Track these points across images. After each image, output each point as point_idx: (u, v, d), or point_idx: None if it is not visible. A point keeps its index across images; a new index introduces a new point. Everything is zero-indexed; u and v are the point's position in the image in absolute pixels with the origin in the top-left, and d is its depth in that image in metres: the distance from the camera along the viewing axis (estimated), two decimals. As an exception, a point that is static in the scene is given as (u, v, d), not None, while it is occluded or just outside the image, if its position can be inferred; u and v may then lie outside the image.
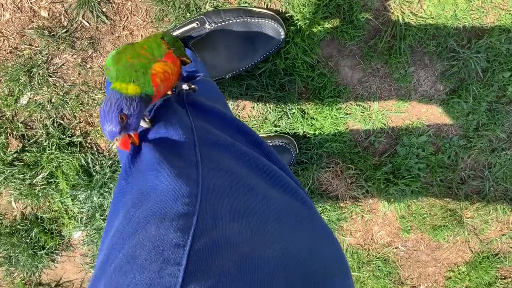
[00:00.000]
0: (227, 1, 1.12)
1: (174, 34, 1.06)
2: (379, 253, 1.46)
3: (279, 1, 1.13)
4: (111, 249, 0.52)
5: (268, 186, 0.62)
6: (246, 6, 1.12)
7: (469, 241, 1.47)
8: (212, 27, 1.07)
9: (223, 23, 1.07)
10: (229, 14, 1.08)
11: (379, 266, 1.46)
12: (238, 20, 1.08)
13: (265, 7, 1.13)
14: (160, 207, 0.52)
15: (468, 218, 1.43)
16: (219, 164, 0.60)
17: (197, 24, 1.07)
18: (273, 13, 1.11)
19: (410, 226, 1.43)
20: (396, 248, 1.46)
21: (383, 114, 1.28)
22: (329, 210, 1.37)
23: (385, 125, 1.29)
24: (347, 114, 1.27)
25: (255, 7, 1.12)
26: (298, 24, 1.14)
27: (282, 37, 1.10)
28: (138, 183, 0.60)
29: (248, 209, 0.54)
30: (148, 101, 0.64)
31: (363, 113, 1.27)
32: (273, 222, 0.54)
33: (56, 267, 1.35)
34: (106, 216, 1.29)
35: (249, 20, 1.08)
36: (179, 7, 1.10)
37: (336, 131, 1.28)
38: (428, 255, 1.47)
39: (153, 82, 0.64)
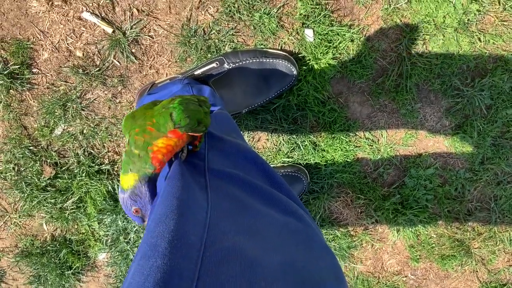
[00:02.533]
0: (244, 43, 1.22)
1: (196, 73, 1.16)
2: (389, 281, 1.51)
3: (292, 43, 1.22)
4: (141, 244, 0.60)
5: (271, 210, 0.69)
6: (262, 48, 1.22)
7: (477, 271, 1.51)
8: (230, 67, 1.17)
9: (240, 63, 1.17)
10: (246, 55, 1.18)
11: (389, 294, 1.51)
12: (254, 60, 1.18)
13: (279, 48, 1.23)
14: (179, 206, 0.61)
15: (475, 248, 1.47)
16: (227, 191, 0.68)
17: (217, 64, 1.17)
18: (287, 54, 1.20)
19: (419, 255, 1.48)
20: (405, 276, 1.51)
21: (391, 147, 1.35)
22: (340, 238, 1.43)
23: (393, 157, 1.36)
24: (357, 146, 1.35)
25: (270, 48, 1.22)
26: (309, 63, 1.23)
27: (295, 75, 1.20)
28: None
29: (252, 226, 0.62)
30: (153, 177, 0.68)
31: (372, 146, 1.34)
32: (274, 237, 0.62)
33: (81, 286, 1.44)
34: (129, 239, 1.38)
35: (264, 60, 1.18)
36: (201, 49, 1.21)
37: (346, 162, 1.35)
38: (437, 284, 1.52)
39: (154, 159, 0.66)
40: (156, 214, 0.60)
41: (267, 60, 1.18)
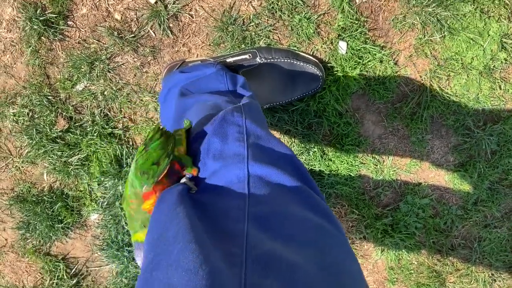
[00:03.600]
0: (279, 41, 1.25)
1: (228, 60, 1.19)
2: (362, 296, 1.56)
3: (324, 52, 1.25)
4: None
5: (306, 211, 0.70)
6: (294, 49, 1.25)
7: (447, 305, 1.56)
8: (262, 61, 1.19)
9: (272, 60, 1.20)
10: (279, 53, 1.21)
11: (359, 309, 1.56)
12: (285, 60, 1.21)
13: (311, 53, 1.26)
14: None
15: (450, 282, 1.53)
16: (265, 191, 0.69)
17: (250, 56, 1.19)
18: (317, 61, 1.23)
19: (396, 278, 1.53)
20: (379, 295, 1.56)
21: (394, 170, 1.39)
22: (326, 247, 1.47)
23: (394, 181, 1.41)
24: (362, 163, 1.39)
25: (302, 51, 1.25)
26: (336, 74, 1.27)
27: (321, 83, 1.23)
28: None
29: (289, 231, 0.64)
30: None
31: (377, 165, 1.39)
32: (311, 241, 0.65)
33: (67, 242, 1.46)
34: (125, 206, 1.40)
35: (295, 62, 1.21)
36: (237, 38, 1.23)
37: (348, 176, 1.39)
38: (406, 309, 1.57)
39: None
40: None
41: (298, 63, 1.21)
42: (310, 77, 1.22)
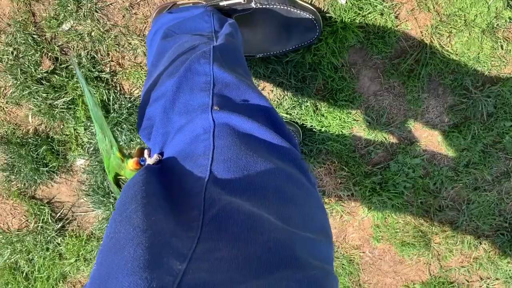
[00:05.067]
0: (276, -13, 1.19)
1: (221, 4, 1.13)
2: (347, 252, 1.57)
3: (324, 1, 1.20)
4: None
5: (277, 162, 0.66)
6: (292, -3, 1.19)
7: (430, 264, 1.58)
8: (256, 6, 1.13)
9: (267, 6, 1.14)
10: (275, 0, 1.15)
11: (343, 264, 1.57)
12: (281, 7, 1.15)
13: (309, 1, 1.21)
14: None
15: (435, 243, 1.54)
16: (232, 140, 0.65)
17: (244, 0, 1.14)
18: (315, 10, 1.18)
19: (382, 236, 1.53)
20: (363, 252, 1.57)
21: (387, 129, 1.37)
22: (313, 202, 1.47)
23: (386, 139, 1.38)
24: (355, 120, 1.36)
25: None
26: (334, 26, 1.22)
27: (317, 34, 1.18)
28: None
29: (254, 182, 0.60)
30: None
31: (370, 123, 1.36)
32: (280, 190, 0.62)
33: (52, 186, 1.44)
34: (111, 152, 1.37)
35: (291, 10, 1.15)
36: (232, -19, 1.17)
37: (340, 132, 1.37)
38: (390, 267, 1.58)
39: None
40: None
41: (295, 11, 1.15)
42: (306, 27, 1.17)
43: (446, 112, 1.35)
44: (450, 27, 1.24)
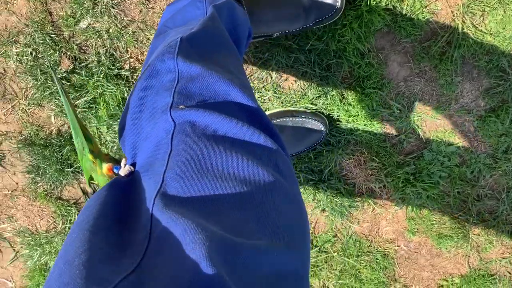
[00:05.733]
0: (296, -28, 1.13)
1: None
2: (380, 247, 1.51)
3: (347, -16, 1.14)
4: None
5: (239, 152, 0.59)
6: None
7: (469, 256, 1.50)
8: None
9: None
10: None
11: (377, 259, 1.51)
12: None
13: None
14: None
15: (474, 234, 1.46)
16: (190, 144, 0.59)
17: None
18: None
19: (417, 229, 1.47)
20: (398, 246, 1.50)
21: (419, 116, 1.30)
22: (343, 195, 1.41)
23: (418, 127, 1.31)
24: (385, 108, 1.29)
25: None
26: (359, 10, 1.15)
27: (338, 5, 1.10)
28: None
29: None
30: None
31: (400, 111, 1.29)
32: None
33: (78, 186, 1.43)
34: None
35: None
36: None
37: (369, 122, 1.30)
38: (427, 260, 1.51)
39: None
40: None
41: None
42: (324, 1, 1.10)
43: (482, 96, 1.27)
44: (483, 5, 1.16)
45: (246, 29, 0.91)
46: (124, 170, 0.64)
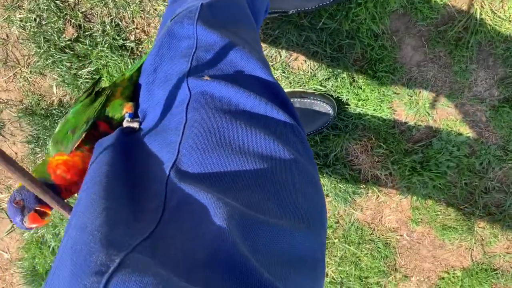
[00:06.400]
0: None
1: None
2: (382, 235, 1.48)
3: (364, -39, 1.10)
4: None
5: (258, 128, 0.57)
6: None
7: (473, 249, 1.47)
8: None
9: None
10: None
11: (378, 247, 1.49)
12: None
13: (348, -37, 1.11)
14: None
15: (479, 227, 1.43)
16: (207, 115, 0.57)
17: None
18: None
19: (421, 219, 1.44)
20: (400, 235, 1.48)
21: (431, 103, 1.26)
22: (348, 181, 1.38)
23: (429, 114, 1.28)
24: (395, 93, 1.26)
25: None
26: (375, -11, 1.11)
27: None
28: None
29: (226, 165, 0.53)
30: (49, 184, 0.64)
31: (411, 97, 1.25)
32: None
33: (78, 159, 1.40)
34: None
35: None
36: None
37: (379, 107, 1.27)
38: (429, 251, 1.49)
39: (49, 169, 0.65)
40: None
41: None
42: None
43: (496, 85, 1.24)
44: (505, -10, 1.12)
45: (264, 4, 0.89)
46: (131, 122, 0.62)
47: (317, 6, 1.09)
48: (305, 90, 1.25)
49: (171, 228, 0.45)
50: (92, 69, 1.24)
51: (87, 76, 1.25)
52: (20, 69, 1.28)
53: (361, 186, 1.40)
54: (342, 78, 1.24)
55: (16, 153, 1.40)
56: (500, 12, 1.15)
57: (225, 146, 0.53)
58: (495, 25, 1.15)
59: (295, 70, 1.25)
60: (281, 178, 0.53)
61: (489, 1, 1.13)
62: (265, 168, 0.52)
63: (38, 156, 1.39)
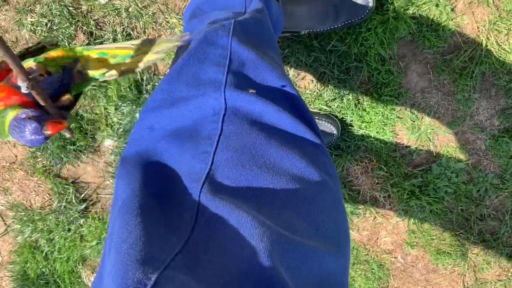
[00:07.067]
0: (327, -30, 1.11)
1: None
2: (377, 256, 1.49)
3: (376, -13, 1.12)
4: None
5: (291, 149, 0.58)
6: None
7: (465, 275, 1.49)
8: None
9: None
10: None
11: (373, 269, 1.50)
12: None
13: (360, -12, 1.13)
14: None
15: (473, 253, 1.45)
16: (243, 130, 0.57)
17: None
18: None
19: (416, 243, 1.45)
20: (395, 258, 1.49)
21: (432, 129, 1.28)
22: (346, 201, 1.39)
23: (430, 140, 1.30)
24: (398, 117, 1.28)
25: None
26: (386, 15, 1.14)
27: (370, 7, 1.08)
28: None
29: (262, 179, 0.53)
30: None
31: (414, 122, 1.28)
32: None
33: (78, 165, 1.40)
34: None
35: None
36: (280, -39, 1.10)
37: (382, 129, 1.29)
38: (422, 275, 1.50)
39: None
40: None
41: None
42: (356, 3, 1.08)
43: (497, 115, 1.26)
44: (510, 24, 1.15)
45: (281, 24, 0.90)
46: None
47: (328, 28, 1.11)
48: (311, 109, 1.27)
49: (203, 242, 0.46)
50: (100, 76, 1.24)
51: (94, 83, 1.25)
52: (27, 72, 1.27)
53: (360, 207, 1.41)
54: (348, 99, 1.26)
55: (16, 156, 1.39)
56: (505, 45, 1.18)
57: (259, 163, 0.53)
58: (500, 56, 1.18)
59: (301, 89, 1.27)
60: (312, 200, 0.53)
61: (494, 34, 1.16)
62: (297, 188, 0.53)
63: (38, 159, 1.38)
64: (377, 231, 1.46)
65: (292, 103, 0.63)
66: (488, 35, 1.17)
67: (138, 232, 0.45)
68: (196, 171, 0.53)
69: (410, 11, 1.14)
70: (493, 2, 1.14)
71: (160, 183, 0.54)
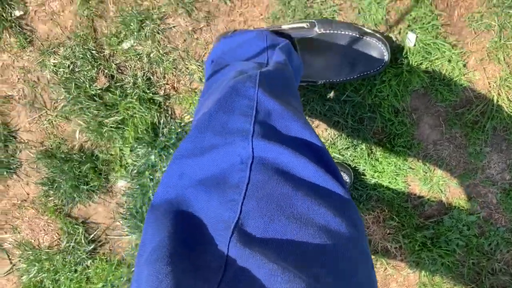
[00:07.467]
0: (344, 14, 1.15)
1: (283, 27, 1.09)
2: (387, 309, 1.46)
3: (391, 42, 1.16)
4: None
5: (318, 202, 0.58)
6: (357, 24, 1.15)
7: (477, 332, 1.46)
8: (320, 32, 1.08)
9: (331, 32, 1.09)
10: (340, 26, 1.10)
11: (382, 322, 1.46)
12: (346, 33, 1.10)
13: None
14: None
15: (485, 309, 1.42)
16: (270, 180, 0.58)
17: (307, 25, 1.09)
18: (383, 37, 1.12)
19: (426, 296, 1.43)
20: (404, 311, 1.46)
21: (444, 181, 1.29)
22: (356, 251, 1.38)
23: (442, 191, 1.30)
24: (411, 168, 1.29)
25: (366, 27, 1.15)
26: (400, 68, 1.17)
27: (386, 60, 1.11)
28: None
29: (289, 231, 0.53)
30: None
31: (426, 173, 1.29)
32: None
33: (90, 205, 1.40)
34: (154, 177, 1.33)
35: (357, 35, 1.10)
36: (299, 14, 1.14)
37: (394, 180, 1.29)
38: (432, 330, 1.47)
39: None
40: None
41: (360, 37, 1.10)
42: (373, 55, 1.11)
43: (508, 169, 1.27)
44: (521, 81, 1.18)
45: (300, 74, 0.93)
46: None
47: (344, 79, 1.14)
48: (324, 157, 1.28)
49: None
50: (119, 118, 1.26)
51: (112, 125, 1.27)
52: (46, 111, 1.30)
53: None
54: (361, 149, 1.27)
55: (28, 194, 1.40)
56: (515, 101, 1.20)
57: (287, 213, 0.53)
58: (511, 112, 1.21)
59: (315, 137, 1.28)
60: (341, 254, 0.53)
61: (505, 90, 1.19)
62: (327, 242, 0.52)
63: (50, 198, 1.38)
64: (388, 283, 1.44)
65: (318, 154, 0.64)
66: (499, 91, 1.20)
67: (169, 282, 0.45)
68: (224, 219, 0.53)
69: (423, 66, 1.17)
70: (504, 60, 1.17)
71: (187, 230, 0.55)
